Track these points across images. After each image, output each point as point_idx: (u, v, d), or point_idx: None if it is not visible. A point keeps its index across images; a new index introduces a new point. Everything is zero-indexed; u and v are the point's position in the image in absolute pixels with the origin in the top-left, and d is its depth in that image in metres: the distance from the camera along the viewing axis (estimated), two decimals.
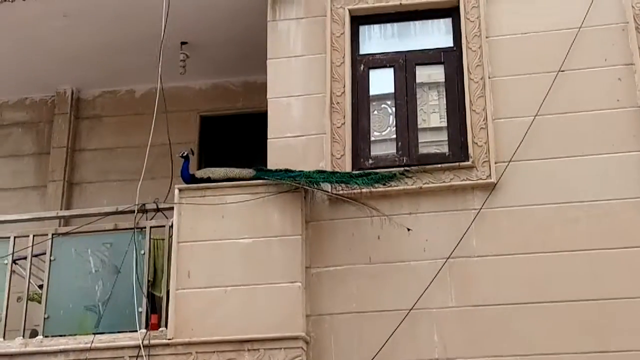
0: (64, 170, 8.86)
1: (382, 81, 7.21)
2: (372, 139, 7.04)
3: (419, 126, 7.02)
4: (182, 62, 8.46)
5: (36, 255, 7.07)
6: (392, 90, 7.17)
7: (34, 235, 6.93)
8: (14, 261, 7.00)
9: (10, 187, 8.99)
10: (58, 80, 9.10)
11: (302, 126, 7.05)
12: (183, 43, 8.44)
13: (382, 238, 6.59)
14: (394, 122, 7.08)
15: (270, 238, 6.54)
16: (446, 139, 6.93)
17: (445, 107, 7.03)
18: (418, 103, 7.09)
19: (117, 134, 9.07)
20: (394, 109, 7.10)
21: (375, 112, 7.15)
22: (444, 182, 6.66)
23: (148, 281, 6.73)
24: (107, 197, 8.54)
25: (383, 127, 7.12)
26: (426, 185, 6.67)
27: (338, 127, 6.97)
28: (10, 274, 6.90)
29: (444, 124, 7.01)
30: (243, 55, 8.55)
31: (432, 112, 7.13)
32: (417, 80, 7.15)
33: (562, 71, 6.77)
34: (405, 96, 7.11)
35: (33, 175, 9.05)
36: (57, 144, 8.98)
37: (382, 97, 7.20)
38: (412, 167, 6.70)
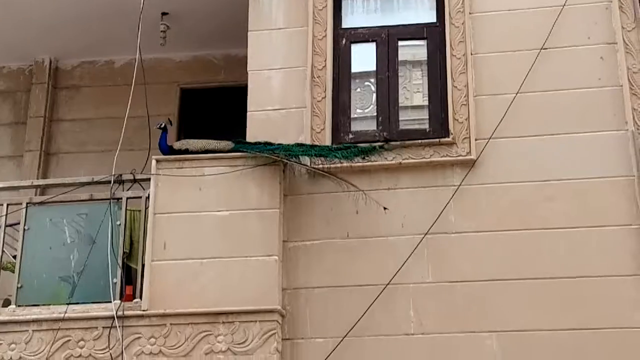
0: (41, 140, 8.78)
1: (364, 56, 7.14)
2: (354, 116, 6.97)
3: (402, 104, 6.95)
4: (162, 33, 8.37)
5: (10, 225, 6.98)
6: (375, 68, 7.08)
7: (7, 204, 6.84)
8: None
9: None
10: (36, 49, 9.01)
11: (282, 99, 6.97)
12: (164, 14, 8.36)
13: (360, 213, 6.54)
14: (375, 90, 7.00)
15: (248, 211, 6.47)
16: (427, 115, 6.88)
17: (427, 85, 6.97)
18: (402, 81, 7.01)
19: (96, 104, 8.99)
20: (376, 86, 7.03)
21: (358, 89, 7.08)
22: (423, 158, 6.61)
23: (124, 252, 6.64)
24: (84, 168, 8.43)
25: (366, 104, 7.06)
26: (405, 161, 6.61)
27: (318, 101, 6.90)
28: None
29: (427, 103, 6.94)
30: (225, 28, 8.45)
31: (415, 91, 7.06)
32: (401, 58, 7.06)
33: (545, 49, 6.71)
34: (387, 72, 7.03)
35: (9, 144, 8.95)
36: (34, 113, 8.89)
37: (365, 75, 7.12)
38: (392, 142, 6.64)
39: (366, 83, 7.11)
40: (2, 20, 8.48)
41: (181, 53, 9.00)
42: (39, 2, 8.10)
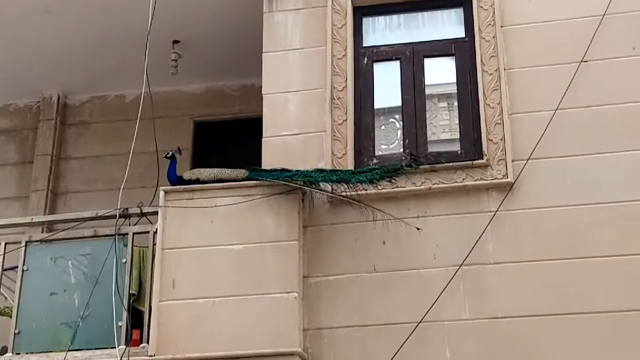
0: (48, 179, 8.36)
1: (387, 75, 6.65)
2: (379, 152, 6.46)
3: (430, 139, 6.44)
4: (173, 62, 7.96)
5: (10, 268, 6.49)
6: (400, 89, 6.59)
7: (5, 243, 6.37)
8: None
9: None
10: (44, 85, 8.66)
11: (300, 123, 6.51)
12: (175, 42, 7.96)
13: (387, 244, 6.01)
14: (401, 126, 6.52)
15: (264, 244, 5.99)
16: (458, 136, 6.36)
17: (457, 119, 6.46)
18: (429, 115, 6.52)
19: (106, 141, 8.57)
20: (401, 122, 6.52)
21: (383, 127, 6.59)
22: (455, 182, 6.09)
23: (132, 294, 6.15)
24: (92, 207, 7.89)
25: (391, 140, 6.55)
26: (436, 186, 6.09)
27: (339, 124, 6.41)
28: None
29: (456, 136, 6.45)
30: (239, 56, 8.03)
31: (442, 132, 6.59)
32: (427, 78, 6.57)
33: (585, 61, 6.23)
34: (413, 92, 6.54)
35: (15, 185, 8.55)
36: (41, 151, 8.49)
37: (390, 111, 6.63)
38: (421, 166, 6.11)
39: (391, 120, 6.61)
40: (9, 57, 8.18)
41: (194, 85, 8.60)
42: (44, 32, 7.75)
